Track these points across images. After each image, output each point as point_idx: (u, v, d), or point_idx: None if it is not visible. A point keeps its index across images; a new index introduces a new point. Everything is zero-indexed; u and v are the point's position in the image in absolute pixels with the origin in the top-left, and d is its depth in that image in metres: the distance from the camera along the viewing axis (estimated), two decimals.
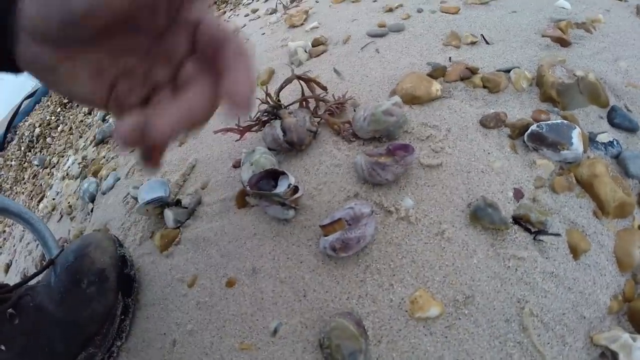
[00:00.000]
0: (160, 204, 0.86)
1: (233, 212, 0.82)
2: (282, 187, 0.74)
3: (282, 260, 0.71)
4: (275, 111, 0.85)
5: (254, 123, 0.87)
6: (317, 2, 1.49)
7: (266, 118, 0.86)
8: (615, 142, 0.75)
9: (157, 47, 0.46)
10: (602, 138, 0.75)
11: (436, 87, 0.85)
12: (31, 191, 1.96)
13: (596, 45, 0.95)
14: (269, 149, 0.84)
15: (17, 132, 3.01)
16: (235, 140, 0.92)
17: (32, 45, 0.40)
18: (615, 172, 0.70)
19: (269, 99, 0.84)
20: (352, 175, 0.76)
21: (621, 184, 0.68)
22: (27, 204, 1.85)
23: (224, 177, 0.89)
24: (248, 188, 0.73)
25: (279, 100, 0.85)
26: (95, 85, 0.44)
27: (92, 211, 1.17)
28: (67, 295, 0.72)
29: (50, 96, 3.07)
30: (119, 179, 1.16)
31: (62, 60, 0.41)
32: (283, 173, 0.75)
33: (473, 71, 0.87)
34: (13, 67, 0.44)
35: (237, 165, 0.89)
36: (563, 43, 0.94)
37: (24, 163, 2.44)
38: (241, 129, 0.86)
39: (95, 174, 1.31)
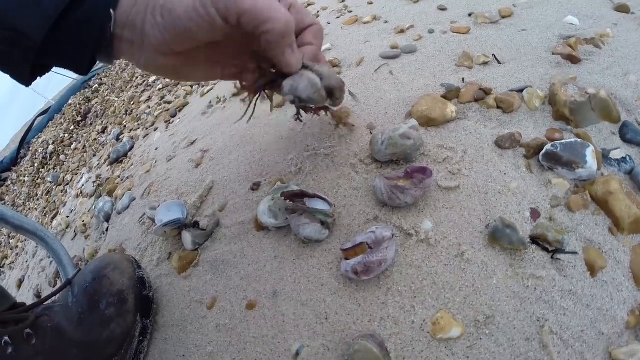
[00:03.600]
0: (178, 226, 0.87)
1: (252, 235, 0.82)
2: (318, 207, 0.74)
3: (303, 283, 0.71)
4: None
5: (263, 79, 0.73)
6: (328, 23, 1.49)
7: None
8: (628, 158, 0.75)
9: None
10: (615, 154, 0.76)
11: (451, 108, 0.85)
12: (45, 208, 1.98)
13: (606, 60, 0.95)
14: (300, 102, 0.68)
15: (30, 149, 3.04)
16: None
17: (160, 59, 0.62)
18: (629, 188, 0.71)
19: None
20: (371, 199, 0.76)
21: (635, 199, 0.69)
22: (41, 221, 1.87)
23: (242, 200, 0.89)
24: (288, 202, 0.73)
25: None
26: (211, 70, 0.73)
27: (107, 230, 1.18)
28: (86, 317, 0.73)
29: (64, 114, 3.10)
30: (135, 199, 1.18)
31: (183, 61, 0.65)
32: (316, 196, 0.76)
33: (487, 92, 0.88)
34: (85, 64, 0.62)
35: (255, 187, 0.89)
36: (573, 60, 0.94)
37: (37, 179, 2.46)
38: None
39: (110, 194, 1.32)
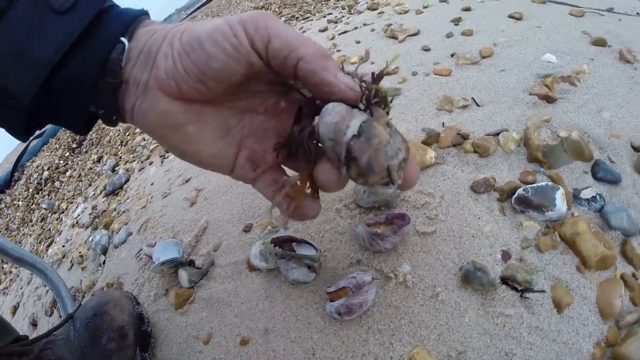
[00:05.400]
0: (175, 264, 0.92)
1: (245, 275, 0.87)
2: (305, 252, 0.79)
3: (292, 322, 0.76)
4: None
5: None
6: None
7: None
8: (598, 197, 0.79)
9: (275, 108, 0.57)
10: (586, 194, 0.80)
11: (430, 155, 0.90)
12: (40, 235, 1.96)
13: (580, 98, 1.00)
14: None
15: (25, 172, 3.03)
16: None
17: (162, 103, 0.50)
18: (597, 227, 0.75)
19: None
20: (355, 243, 0.81)
21: (602, 238, 0.73)
22: (35, 248, 1.86)
23: (235, 241, 0.94)
24: (277, 248, 0.77)
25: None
26: (223, 144, 0.55)
27: (104, 263, 1.21)
28: (88, 350, 0.77)
29: (59, 139, 3.10)
30: (131, 233, 1.21)
31: (191, 118, 0.52)
32: (303, 241, 0.80)
33: (464, 137, 0.92)
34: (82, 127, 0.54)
35: (247, 229, 0.94)
36: (549, 100, 0.99)
37: (32, 205, 2.45)
38: None
39: (106, 227, 1.35)
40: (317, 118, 0.47)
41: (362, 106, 0.45)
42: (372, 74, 0.47)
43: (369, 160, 0.41)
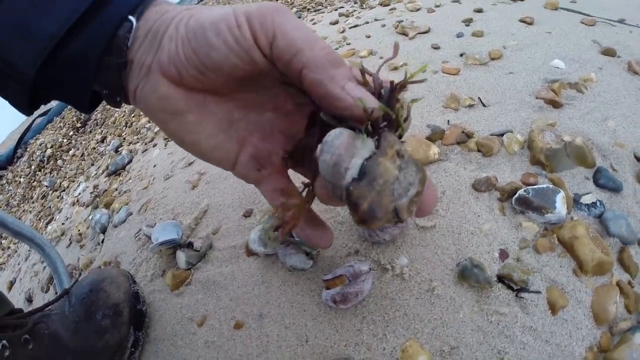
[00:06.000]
0: (173, 245, 0.92)
1: (242, 259, 0.87)
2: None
3: (287, 308, 0.76)
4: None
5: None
6: None
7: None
8: (598, 203, 0.79)
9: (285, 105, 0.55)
10: (586, 199, 0.80)
11: (434, 150, 0.90)
12: (39, 212, 1.97)
13: (587, 105, 0.99)
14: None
15: (28, 149, 3.03)
16: None
17: (163, 87, 0.49)
18: (595, 232, 0.75)
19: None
20: (354, 233, 0.81)
21: (600, 244, 0.73)
22: (35, 225, 1.87)
23: (235, 225, 0.94)
24: (276, 233, 0.76)
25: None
26: (224, 137, 0.54)
27: (102, 242, 1.21)
28: (82, 326, 0.77)
29: (64, 117, 3.10)
30: (131, 213, 1.21)
31: (191, 106, 0.51)
32: None
33: (469, 135, 0.92)
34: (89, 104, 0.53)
35: (247, 214, 0.94)
36: (555, 105, 0.99)
37: (33, 182, 2.45)
38: None
39: (107, 206, 1.36)
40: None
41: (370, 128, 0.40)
42: (391, 82, 0.41)
43: (371, 205, 0.37)
